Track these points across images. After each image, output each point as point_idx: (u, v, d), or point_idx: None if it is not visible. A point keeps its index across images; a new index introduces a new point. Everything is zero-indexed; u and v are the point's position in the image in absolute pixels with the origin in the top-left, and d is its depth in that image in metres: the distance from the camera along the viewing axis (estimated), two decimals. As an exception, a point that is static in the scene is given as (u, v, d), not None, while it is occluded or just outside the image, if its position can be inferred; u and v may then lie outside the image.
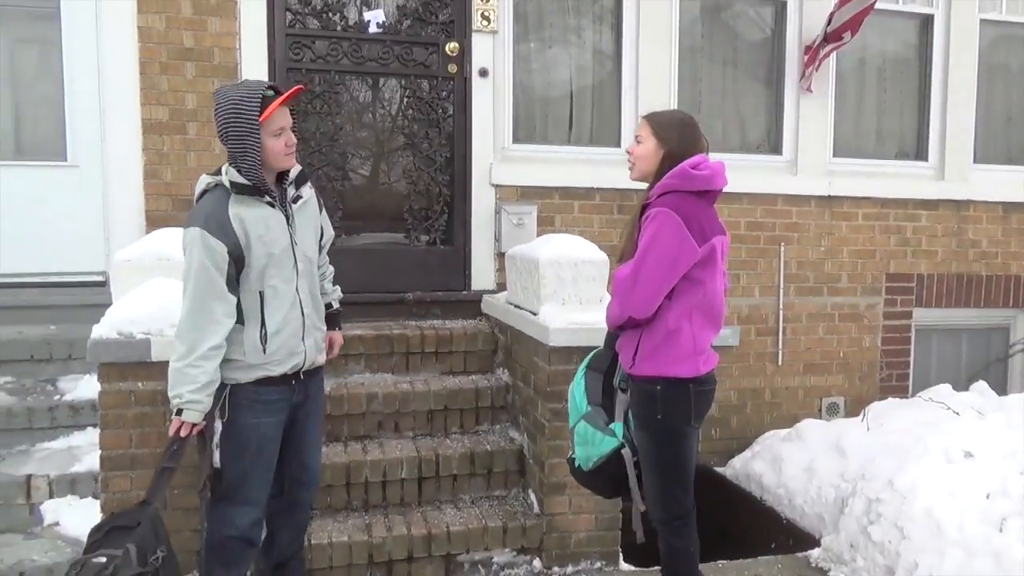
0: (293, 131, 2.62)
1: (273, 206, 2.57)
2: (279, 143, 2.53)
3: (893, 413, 4.49)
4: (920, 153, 5.45)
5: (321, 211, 2.82)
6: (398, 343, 4.20)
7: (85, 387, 3.74)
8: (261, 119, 2.44)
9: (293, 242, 2.62)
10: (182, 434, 2.48)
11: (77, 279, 4.30)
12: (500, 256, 4.67)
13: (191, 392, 2.44)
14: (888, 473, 3.64)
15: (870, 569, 3.44)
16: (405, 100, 4.62)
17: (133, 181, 4.26)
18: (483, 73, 4.60)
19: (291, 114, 2.64)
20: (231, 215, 2.48)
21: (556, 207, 4.76)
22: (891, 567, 3.33)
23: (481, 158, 4.64)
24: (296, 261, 2.62)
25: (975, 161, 5.48)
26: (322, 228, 2.81)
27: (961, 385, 4.88)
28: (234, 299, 2.50)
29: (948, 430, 3.85)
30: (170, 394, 2.47)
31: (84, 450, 3.56)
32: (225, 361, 2.51)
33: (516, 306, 3.99)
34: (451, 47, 4.58)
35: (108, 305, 3.26)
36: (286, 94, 2.52)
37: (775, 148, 5.20)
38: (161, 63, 4.20)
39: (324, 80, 4.49)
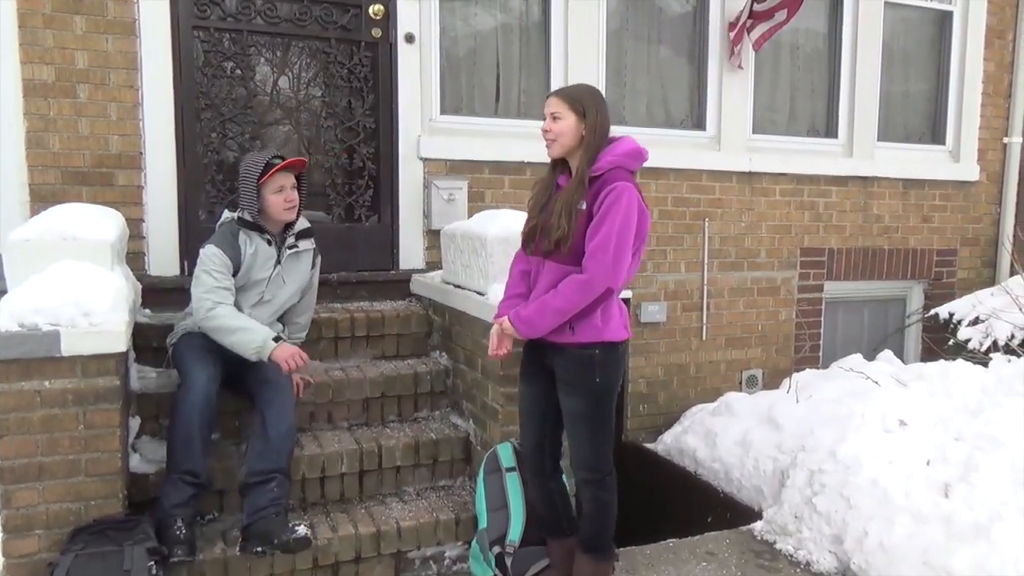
0: (300, 192, 3.32)
1: (270, 244, 3.30)
2: (279, 199, 3.23)
3: (817, 384, 4.60)
4: (830, 130, 5.61)
5: (313, 268, 3.52)
6: (326, 327, 3.91)
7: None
8: (261, 181, 3.17)
9: (271, 279, 3.31)
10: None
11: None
12: (430, 233, 4.44)
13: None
14: (829, 444, 3.71)
15: (816, 539, 3.49)
16: (326, 66, 4.28)
17: (12, 150, 3.73)
18: (409, 39, 4.32)
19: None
20: (240, 238, 3.26)
21: (486, 182, 4.57)
22: (838, 536, 3.39)
23: (408, 130, 4.38)
24: (263, 296, 3.31)
25: (879, 139, 5.70)
26: (310, 284, 3.54)
27: (864, 354, 5.07)
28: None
29: (877, 400, 3.97)
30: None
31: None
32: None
33: (457, 286, 3.78)
34: (375, 9, 4.27)
35: (-2, 292, 2.83)
36: (285, 162, 3.21)
37: (699, 124, 5.20)
38: (45, 15, 3.68)
39: (235, 41, 4.08)
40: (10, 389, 2.63)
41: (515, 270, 2.94)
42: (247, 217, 3.24)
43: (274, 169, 3.17)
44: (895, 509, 3.24)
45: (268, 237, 3.29)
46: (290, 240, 3.36)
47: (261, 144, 4.20)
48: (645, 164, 4.80)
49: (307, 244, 3.45)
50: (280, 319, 3.47)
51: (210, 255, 3.15)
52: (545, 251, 2.73)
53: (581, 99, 2.71)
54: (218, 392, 3.07)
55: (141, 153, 3.90)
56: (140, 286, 3.60)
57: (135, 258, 3.87)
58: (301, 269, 3.43)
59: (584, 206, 2.65)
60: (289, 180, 3.25)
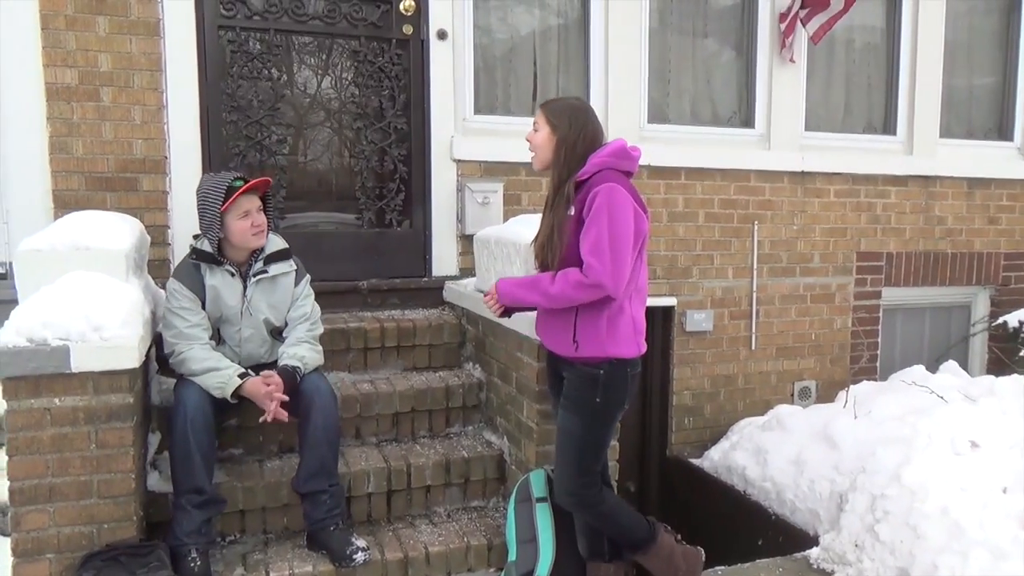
0: (266, 213, 3.04)
1: (233, 275, 3.00)
2: (245, 224, 2.93)
3: (876, 398, 4.29)
4: (888, 127, 5.28)
5: (299, 287, 3.12)
6: (355, 337, 3.75)
7: (-15, 400, 3.14)
8: (223, 208, 2.87)
9: (245, 309, 3.03)
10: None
11: (-30, 270, 3.67)
12: (464, 239, 4.25)
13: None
14: (892, 467, 3.42)
15: (879, 571, 3.20)
16: (355, 65, 4.12)
17: (36, 156, 3.63)
18: (442, 36, 4.14)
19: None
20: (201, 269, 2.98)
21: (523, 184, 4.36)
22: (905, 569, 3.11)
23: (441, 131, 4.19)
24: (242, 326, 3.04)
25: (941, 136, 5.35)
26: (295, 302, 3.11)
27: (925, 365, 4.75)
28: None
29: (944, 418, 3.67)
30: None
31: (-13, 476, 2.99)
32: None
33: (490, 295, 3.58)
34: (406, 5, 4.09)
35: (10, 302, 2.71)
36: (247, 185, 2.92)
37: (747, 121, 4.92)
38: (67, 17, 3.57)
39: (262, 40, 3.95)
40: (19, 407, 2.50)
41: None
42: (205, 248, 2.95)
43: (237, 193, 2.88)
44: (969, 542, 2.95)
45: (230, 269, 2.99)
46: (257, 266, 3.03)
47: (289, 147, 4.06)
48: (689, 165, 4.67)
49: (282, 267, 3.08)
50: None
51: (173, 291, 2.93)
52: (542, 266, 2.70)
53: (558, 112, 2.67)
54: (218, 404, 2.88)
55: (166, 157, 3.78)
56: (163, 294, 3.45)
57: (160, 266, 3.75)
58: (280, 295, 3.09)
59: (572, 212, 2.58)
60: (254, 203, 2.97)
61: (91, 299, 2.55)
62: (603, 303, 2.56)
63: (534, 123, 2.74)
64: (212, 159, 3.87)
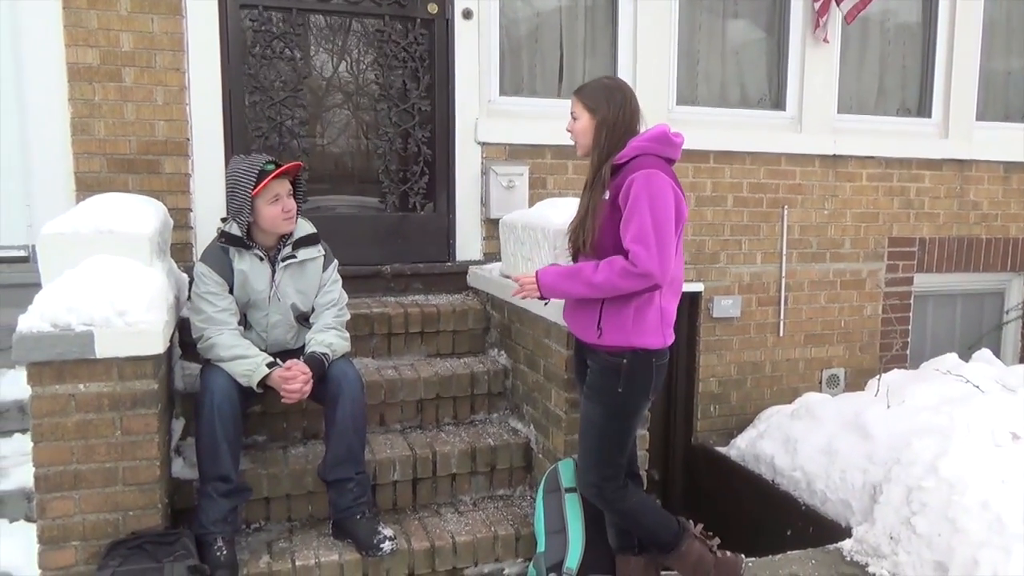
0: (296, 197, 2.97)
1: (262, 260, 2.93)
2: (276, 209, 2.88)
3: (908, 387, 4.21)
4: (923, 110, 5.14)
5: (327, 272, 3.06)
6: (379, 323, 3.70)
7: (9, 385, 3.11)
8: (255, 192, 2.80)
9: (270, 298, 2.96)
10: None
11: (-7, 253, 3.63)
12: (488, 223, 4.18)
13: None
14: (929, 458, 3.34)
15: (915, 564, 3.13)
16: (379, 45, 4.04)
17: (58, 137, 3.58)
18: (467, 15, 4.05)
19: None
20: (230, 253, 2.92)
21: (548, 167, 4.28)
22: (943, 563, 3.03)
23: (466, 112, 4.11)
24: (269, 314, 2.98)
25: (977, 119, 5.20)
26: (323, 288, 3.05)
27: (957, 352, 4.64)
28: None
29: (981, 408, 3.58)
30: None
31: (12, 461, 2.96)
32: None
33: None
34: (431, -16, 4.01)
35: (33, 285, 2.66)
36: (280, 169, 2.85)
37: (777, 103, 4.81)
38: (88, -5, 3.52)
39: (284, 19, 3.87)
40: (44, 393, 2.46)
41: None
42: (235, 232, 2.89)
43: (269, 177, 2.81)
44: (1011, 537, 2.87)
45: (259, 253, 2.93)
46: (286, 251, 2.97)
47: (313, 129, 3.99)
48: (719, 148, 4.57)
49: (311, 252, 3.02)
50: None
51: (201, 276, 2.87)
52: (574, 251, 2.65)
53: (593, 95, 2.61)
54: (244, 391, 2.83)
55: (188, 139, 3.73)
56: (186, 279, 3.41)
57: (182, 249, 3.71)
58: (308, 280, 3.02)
59: (607, 196, 2.50)
60: (285, 187, 2.91)
61: (115, 284, 2.50)
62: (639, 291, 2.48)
63: (571, 112, 2.66)
64: (234, 141, 3.81)
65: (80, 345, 2.43)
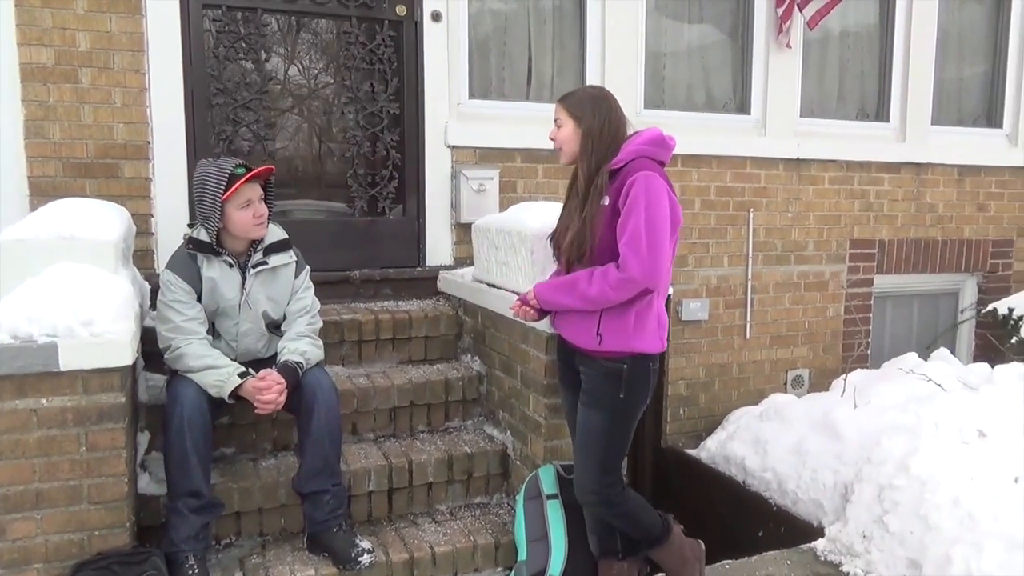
0: (267, 202, 2.88)
1: (232, 266, 2.84)
2: (247, 215, 2.78)
3: (873, 387, 4.27)
4: (881, 114, 5.25)
5: (299, 278, 2.99)
6: (349, 330, 3.62)
7: (-38, 399, 2.96)
8: (225, 196, 2.70)
9: (240, 306, 2.87)
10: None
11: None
12: (459, 227, 4.14)
13: None
14: (899, 456, 3.38)
15: (888, 563, 3.17)
16: (347, 47, 3.96)
17: (10, 140, 3.43)
18: (436, 17, 4.00)
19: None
20: (198, 259, 2.82)
21: (518, 171, 4.25)
22: (916, 560, 3.07)
23: (435, 115, 4.06)
24: (240, 319, 2.89)
25: (932, 122, 5.33)
26: (295, 295, 2.98)
27: (915, 352, 4.74)
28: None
29: (947, 407, 3.64)
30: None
31: (-34, 480, 2.82)
32: None
33: (491, 285, 3.47)
34: (399, -15, 3.95)
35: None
36: (251, 173, 2.75)
37: (742, 107, 4.86)
38: (43, -8, 3.38)
39: (249, 20, 3.77)
40: (3, 408, 2.34)
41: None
42: (203, 238, 2.79)
43: (240, 181, 2.72)
44: (983, 533, 2.92)
45: (228, 259, 2.84)
46: (256, 257, 2.88)
47: (279, 132, 3.90)
48: (686, 151, 4.59)
49: (283, 258, 2.93)
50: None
51: (168, 283, 2.76)
52: (568, 261, 2.59)
53: (579, 104, 2.58)
54: (215, 402, 2.73)
55: (149, 143, 3.61)
56: (148, 287, 3.29)
57: (143, 256, 3.59)
58: (279, 287, 2.94)
59: (607, 201, 2.47)
60: (256, 192, 2.81)
61: (80, 292, 2.40)
62: (634, 297, 2.46)
63: (555, 119, 2.63)
64: (197, 145, 3.70)
65: (43, 357, 2.32)
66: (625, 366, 2.52)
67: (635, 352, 2.52)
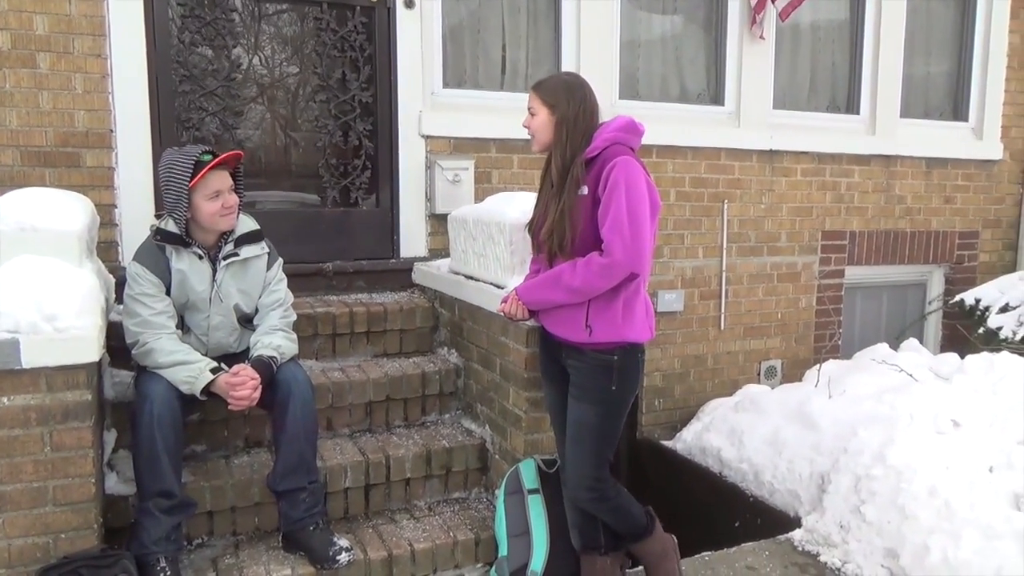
0: (237, 191, 2.76)
1: (202, 258, 2.74)
2: (215, 205, 2.67)
3: (848, 378, 4.30)
4: (851, 106, 5.29)
5: (271, 271, 2.90)
6: (323, 323, 3.54)
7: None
8: (192, 184, 2.60)
9: (214, 295, 2.78)
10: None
11: None
12: (433, 218, 4.07)
13: None
14: (876, 447, 3.41)
15: (866, 552, 3.19)
16: (317, 33, 3.86)
17: (-36, 127, 3.30)
18: (409, 4, 3.92)
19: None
20: (167, 251, 2.72)
21: (493, 161, 4.19)
22: (893, 549, 3.09)
23: (409, 105, 3.98)
24: (211, 312, 2.79)
25: (901, 115, 5.38)
26: (267, 287, 2.89)
27: (885, 342, 4.79)
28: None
29: (921, 397, 3.68)
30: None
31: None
32: None
33: (469, 276, 3.42)
34: (371, -30, 3.86)
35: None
36: (218, 159, 2.64)
37: (716, 98, 4.85)
38: (-3, -27, 3.24)
39: (215, 4, 3.66)
40: (-39, 407, 2.24)
41: (531, 270, 2.78)
42: (172, 229, 2.69)
43: (207, 168, 2.60)
44: (960, 522, 2.94)
45: (198, 251, 2.73)
46: (227, 249, 2.78)
47: (247, 120, 3.79)
48: (662, 142, 4.57)
49: (254, 250, 2.84)
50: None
51: (136, 276, 2.65)
52: (551, 253, 2.54)
53: (553, 91, 2.53)
54: (185, 399, 2.64)
55: (112, 131, 3.48)
56: (113, 280, 3.18)
57: (107, 248, 3.47)
58: (251, 280, 2.85)
59: (586, 191, 2.44)
60: (226, 182, 2.69)
61: (42, 286, 2.29)
62: (620, 284, 2.42)
63: (529, 107, 2.58)
64: (163, 133, 3.58)
65: (4, 355, 2.23)
66: (616, 357, 2.48)
67: (626, 342, 2.48)
